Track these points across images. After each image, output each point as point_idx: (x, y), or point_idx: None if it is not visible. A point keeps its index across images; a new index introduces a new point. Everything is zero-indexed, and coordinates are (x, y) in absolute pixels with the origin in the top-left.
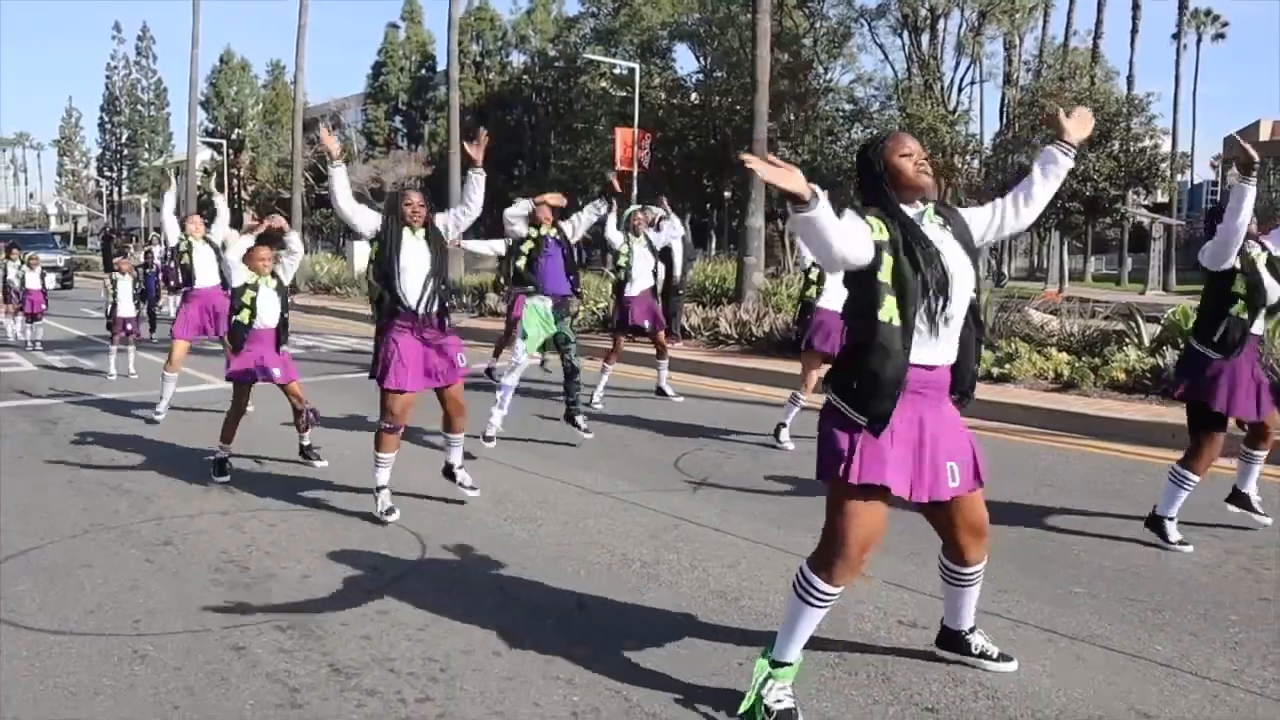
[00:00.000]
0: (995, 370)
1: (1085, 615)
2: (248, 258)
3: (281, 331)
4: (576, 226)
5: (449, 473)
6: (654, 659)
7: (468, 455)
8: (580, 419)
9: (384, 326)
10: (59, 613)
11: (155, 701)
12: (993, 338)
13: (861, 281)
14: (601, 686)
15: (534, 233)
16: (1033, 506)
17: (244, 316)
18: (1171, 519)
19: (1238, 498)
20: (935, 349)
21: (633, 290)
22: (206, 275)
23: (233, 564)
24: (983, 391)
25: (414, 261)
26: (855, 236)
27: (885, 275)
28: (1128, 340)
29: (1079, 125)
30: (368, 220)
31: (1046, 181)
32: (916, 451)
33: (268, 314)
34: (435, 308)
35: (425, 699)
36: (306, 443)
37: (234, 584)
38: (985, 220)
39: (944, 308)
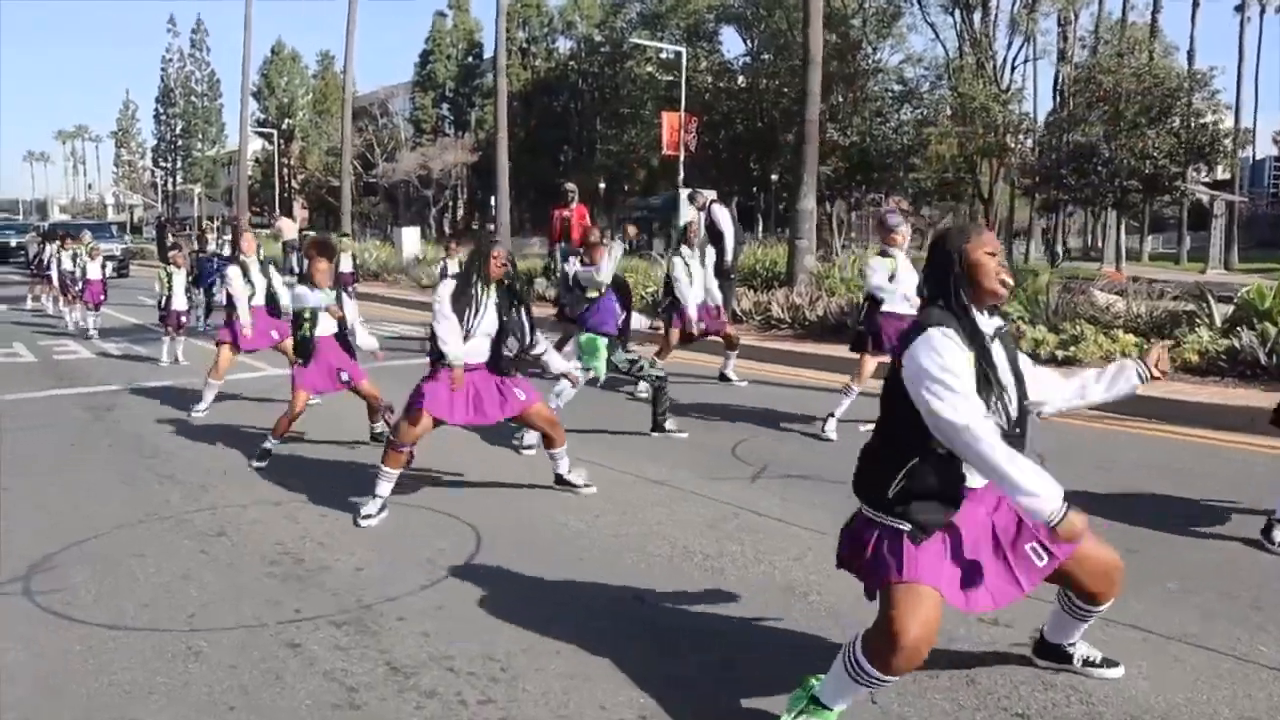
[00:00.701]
0: (1060, 353)
1: (1180, 613)
2: (310, 270)
3: (342, 338)
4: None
5: (560, 481)
6: (722, 657)
7: (516, 449)
8: (669, 423)
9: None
10: (113, 606)
11: (210, 701)
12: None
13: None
14: (669, 686)
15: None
16: (1110, 496)
17: (305, 330)
18: None
19: None
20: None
21: (687, 303)
22: (256, 295)
23: (287, 555)
24: None
25: (487, 321)
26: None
27: None
28: (1199, 321)
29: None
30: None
31: (1105, 393)
32: (987, 554)
33: (327, 323)
34: (500, 364)
35: (487, 700)
36: (379, 431)
37: (288, 576)
38: (1052, 382)
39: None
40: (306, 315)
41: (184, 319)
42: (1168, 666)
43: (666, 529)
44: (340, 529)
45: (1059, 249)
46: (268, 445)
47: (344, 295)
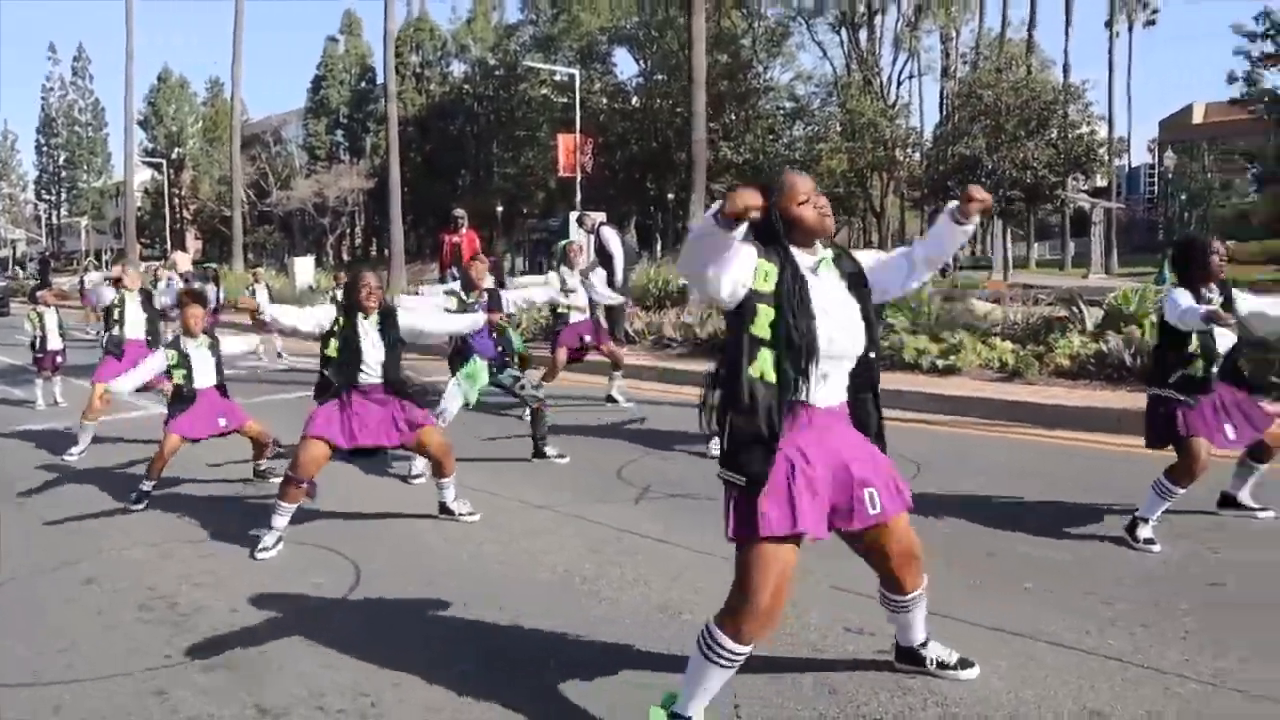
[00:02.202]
0: (940, 362)
1: (1036, 612)
2: (183, 317)
3: (221, 388)
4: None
5: (444, 510)
6: (594, 681)
7: (404, 479)
8: (549, 449)
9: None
10: None
11: None
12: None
13: (734, 334)
14: (539, 714)
15: (462, 298)
16: (978, 499)
17: (179, 379)
18: (1146, 520)
19: (1229, 501)
20: (827, 391)
21: (570, 320)
22: (134, 329)
23: (161, 600)
24: (928, 384)
25: (370, 350)
26: (742, 268)
27: (760, 329)
28: (1071, 326)
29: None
30: (319, 315)
31: (941, 246)
32: (827, 483)
33: (204, 376)
34: (388, 387)
35: None
36: (263, 467)
37: (160, 621)
38: (885, 268)
39: (816, 365)
40: (178, 364)
41: (61, 359)
42: (1022, 664)
43: (549, 555)
44: (218, 569)
45: (949, 259)
46: (144, 487)
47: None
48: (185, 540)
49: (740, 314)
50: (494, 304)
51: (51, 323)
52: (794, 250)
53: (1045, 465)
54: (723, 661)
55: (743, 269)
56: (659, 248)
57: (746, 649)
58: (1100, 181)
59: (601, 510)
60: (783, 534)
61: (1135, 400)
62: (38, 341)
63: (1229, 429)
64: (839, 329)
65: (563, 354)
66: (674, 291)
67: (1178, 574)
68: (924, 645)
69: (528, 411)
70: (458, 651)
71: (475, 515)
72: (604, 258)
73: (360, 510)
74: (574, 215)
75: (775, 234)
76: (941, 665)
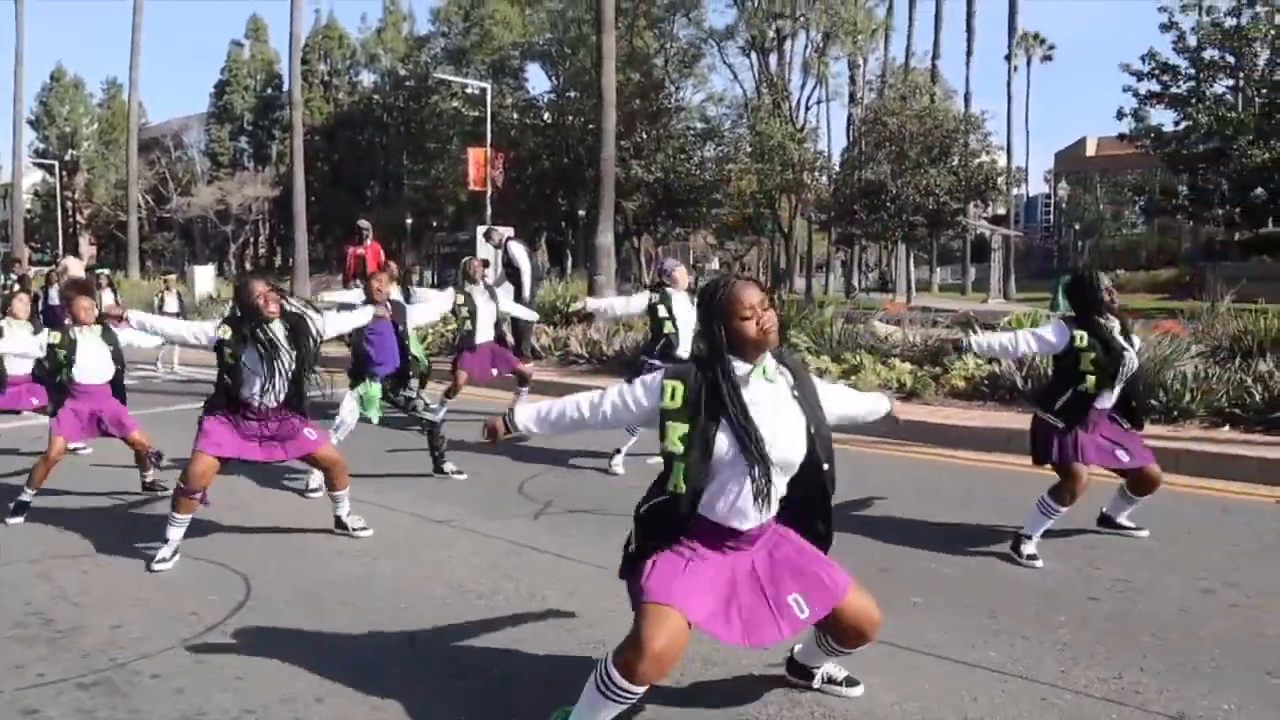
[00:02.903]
0: (841, 382)
1: (923, 625)
2: (71, 310)
3: (116, 388)
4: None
5: (339, 524)
6: (487, 696)
7: (301, 493)
8: (448, 465)
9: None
10: None
11: None
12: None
13: (661, 450)
14: None
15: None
16: (872, 518)
17: (62, 375)
18: (1029, 538)
19: (1107, 521)
20: (756, 515)
21: (477, 341)
22: (15, 364)
23: (36, 616)
24: None
25: (276, 362)
26: (618, 412)
27: (672, 443)
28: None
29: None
30: (199, 329)
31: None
32: (749, 592)
33: (92, 370)
34: (287, 400)
35: None
36: (150, 480)
37: (34, 639)
38: (835, 400)
39: (765, 476)
40: (60, 359)
41: None
42: (907, 677)
43: (445, 570)
44: (101, 585)
45: (855, 282)
46: (24, 498)
47: (112, 327)
48: (66, 555)
49: (660, 431)
50: (396, 318)
51: None
52: (732, 360)
53: (938, 483)
54: (614, 697)
55: (644, 397)
56: (569, 264)
57: (638, 689)
58: (999, 209)
59: (500, 526)
60: (664, 602)
61: (1026, 421)
62: None
63: (1121, 453)
64: (771, 439)
65: (464, 375)
66: (581, 308)
67: (1058, 589)
68: (818, 665)
69: (425, 428)
70: (348, 668)
71: (368, 530)
72: (511, 273)
73: (254, 524)
74: (481, 230)
75: (717, 344)
76: (829, 680)
